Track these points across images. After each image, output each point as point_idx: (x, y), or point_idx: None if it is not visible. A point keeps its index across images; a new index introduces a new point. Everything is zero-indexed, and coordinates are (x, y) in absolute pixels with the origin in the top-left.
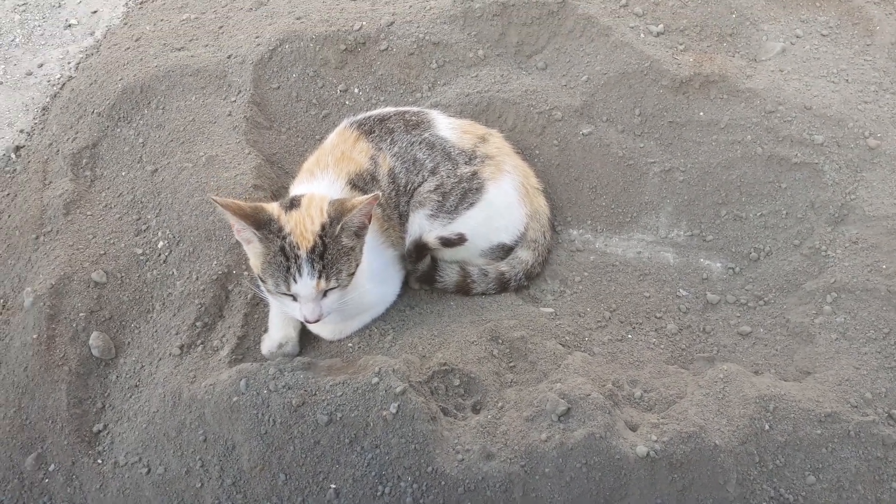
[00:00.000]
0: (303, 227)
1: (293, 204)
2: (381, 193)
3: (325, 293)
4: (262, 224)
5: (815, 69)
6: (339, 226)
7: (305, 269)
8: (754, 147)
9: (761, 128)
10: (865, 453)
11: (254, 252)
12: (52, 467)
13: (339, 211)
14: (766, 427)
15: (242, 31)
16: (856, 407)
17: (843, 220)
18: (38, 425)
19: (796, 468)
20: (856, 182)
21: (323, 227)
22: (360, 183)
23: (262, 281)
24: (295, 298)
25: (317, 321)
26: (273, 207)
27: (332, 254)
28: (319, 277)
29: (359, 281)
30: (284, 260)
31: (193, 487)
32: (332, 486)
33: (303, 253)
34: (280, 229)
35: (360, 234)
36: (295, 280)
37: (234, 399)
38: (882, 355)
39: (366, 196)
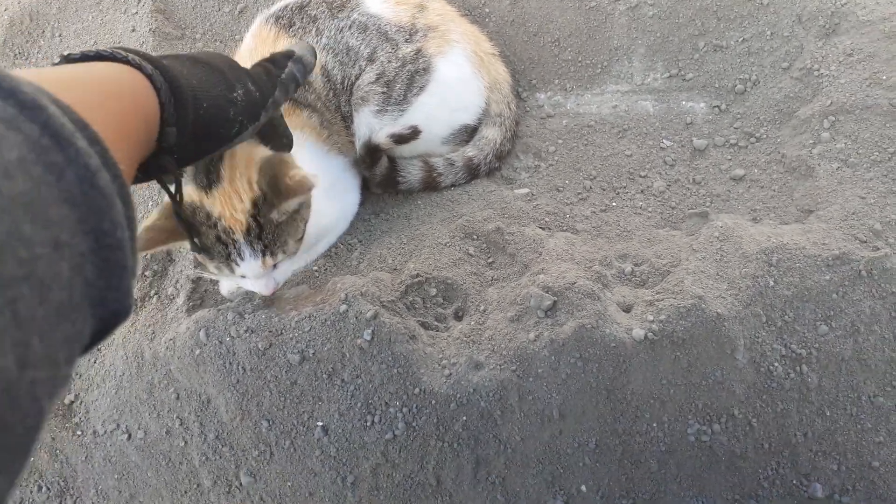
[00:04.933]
0: (231, 208)
1: (210, 179)
2: (304, 95)
3: (274, 265)
4: (192, 226)
5: None
6: (275, 212)
7: (246, 251)
8: None
9: None
10: (879, 291)
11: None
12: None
13: (273, 188)
14: (771, 283)
15: None
16: (865, 242)
17: (834, 31)
18: None
19: (807, 320)
20: None
21: (255, 205)
22: None
23: (202, 266)
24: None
25: (272, 294)
26: (189, 195)
27: (270, 231)
28: (263, 256)
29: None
30: (223, 247)
31: (178, 447)
32: (319, 423)
33: (239, 237)
34: (208, 216)
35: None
36: (237, 263)
37: (198, 352)
38: (889, 178)
39: (304, 176)
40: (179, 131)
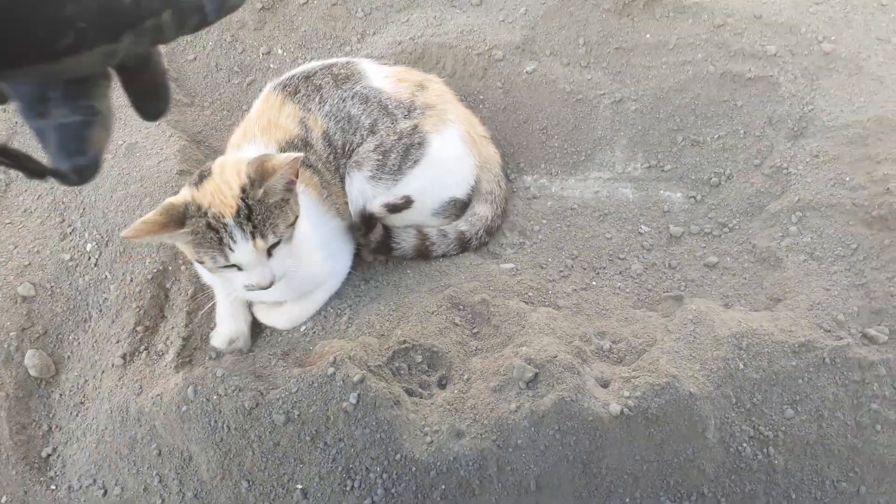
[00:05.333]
0: (221, 195)
1: (203, 177)
2: (307, 156)
3: (269, 253)
4: (181, 219)
5: None
6: (262, 190)
7: (237, 234)
8: (706, 65)
9: (711, 44)
10: (842, 378)
11: (185, 244)
12: (3, 499)
13: (259, 173)
14: (741, 366)
15: None
16: (829, 331)
17: (802, 134)
18: None
19: (774, 403)
20: (813, 91)
21: (244, 190)
22: (292, 151)
23: (201, 263)
24: (240, 268)
25: (270, 284)
26: (181, 196)
27: (260, 212)
28: (254, 237)
29: (305, 247)
30: (214, 233)
31: None
32: (299, 486)
33: (229, 220)
34: (199, 208)
35: (289, 188)
36: (231, 248)
37: (184, 408)
38: (852, 272)
39: (287, 155)
40: None
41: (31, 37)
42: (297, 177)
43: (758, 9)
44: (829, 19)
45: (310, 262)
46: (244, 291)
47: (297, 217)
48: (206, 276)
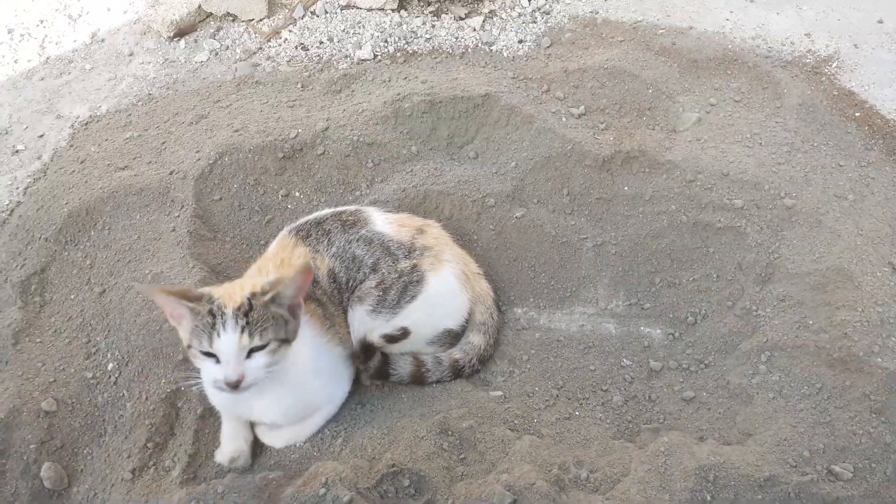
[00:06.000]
0: (232, 292)
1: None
2: (313, 290)
3: (250, 354)
4: (194, 298)
5: (731, 135)
6: (270, 295)
7: (229, 324)
8: (679, 216)
9: (684, 197)
10: None
11: (184, 326)
12: None
13: (272, 284)
14: (708, 498)
15: (183, 146)
16: (795, 466)
17: (769, 279)
18: None
19: None
20: (777, 241)
21: (253, 293)
22: None
23: (190, 347)
24: (218, 361)
25: (238, 382)
26: (204, 289)
27: (258, 314)
28: (242, 332)
29: (303, 374)
30: (211, 318)
31: None
32: None
33: (229, 311)
34: (210, 298)
35: (293, 311)
36: (219, 335)
37: None
38: (817, 411)
39: (297, 265)
40: None
41: None
42: (304, 300)
43: (725, 167)
44: (791, 178)
45: (307, 389)
46: (215, 390)
47: (288, 340)
48: (212, 396)
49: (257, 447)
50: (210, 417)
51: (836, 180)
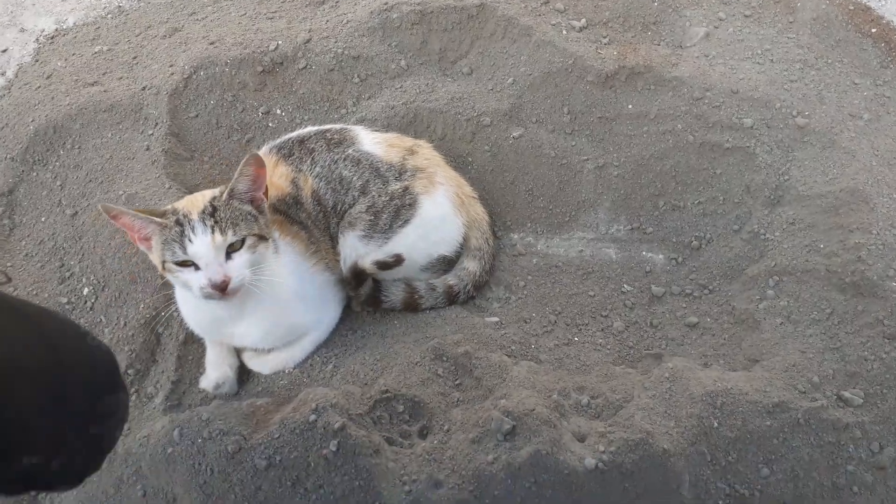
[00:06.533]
0: (194, 200)
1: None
2: (296, 212)
3: (230, 256)
4: (159, 214)
5: (740, 51)
6: (226, 192)
7: (198, 227)
8: (685, 135)
9: (691, 115)
10: (817, 440)
11: (155, 246)
12: None
13: (225, 184)
14: (715, 424)
15: (156, 60)
16: (804, 393)
17: (779, 202)
18: None
19: (749, 462)
20: (788, 162)
21: (213, 197)
22: (283, 207)
23: (164, 264)
24: (197, 268)
25: (224, 284)
26: (165, 207)
27: (224, 213)
28: (213, 231)
29: (286, 296)
30: (179, 227)
31: None
32: None
33: (195, 216)
34: (175, 210)
35: (258, 206)
36: (190, 240)
37: (170, 450)
38: (826, 336)
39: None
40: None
41: None
42: (265, 194)
43: (735, 84)
44: (803, 96)
45: (291, 312)
46: (203, 301)
47: (264, 236)
48: (191, 320)
49: (244, 374)
50: (193, 343)
51: (851, 99)
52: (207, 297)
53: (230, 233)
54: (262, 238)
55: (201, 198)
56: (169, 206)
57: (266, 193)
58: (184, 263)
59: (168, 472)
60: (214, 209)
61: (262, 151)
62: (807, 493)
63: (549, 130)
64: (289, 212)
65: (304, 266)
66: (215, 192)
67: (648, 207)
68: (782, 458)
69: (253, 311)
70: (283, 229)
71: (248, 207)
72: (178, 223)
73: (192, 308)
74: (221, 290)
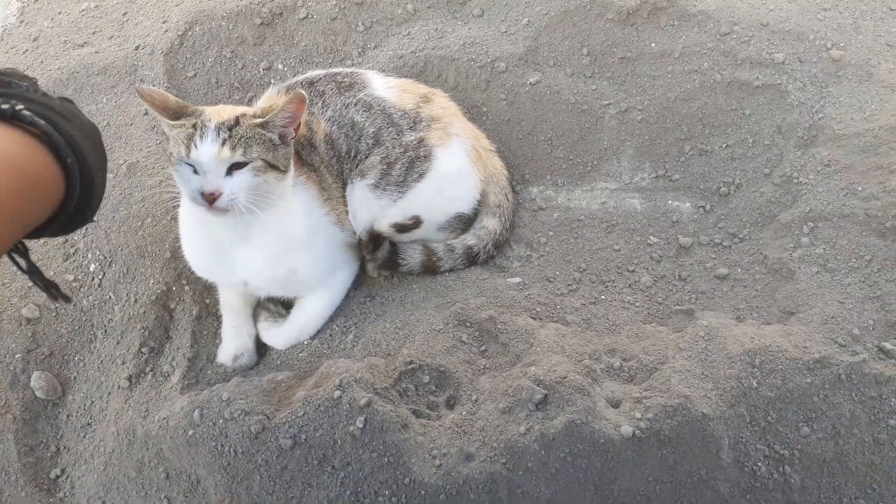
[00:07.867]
0: (221, 111)
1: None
2: (308, 154)
3: (231, 172)
4: (188, 111)
5: None
6: (261, 120)
7: (210, 136)
8: (713, 74)
9: (718, 52)
10: (859, 395)
11: (169, 135)
12: None
13: (264, 111)
14: (755, 384)
15: (148, 16)
16: (844, 346)
17: (812, 143)
18: None
19: (789, 421)
20: (822, 99)
21: (242, 115)
22: (297, 147)
23: (170, 157)
24: (196, 171)
25: (211, 197)
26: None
27: (244, 131)
28: (223, 145)
29: (293, 240)
30: (193, 130)
31: None
32: None
33: (212, 123)
34: (201, 113)
35: (283, 138)
36: (196, 146)
37: (191, 432)
38: (866, 284)
39: (291, 94)
40: (77, 215)
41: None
42: (297, 131)
43: (764, 16)
44: (838, 26)
45: (298, 255)
46: (194, 200)
47: (279, 168)
48: (189, 253)
49: (262, 347)
50: (208, 317)
51: (889, 26)
52: (194, 200)
53: (239, 151)
54: (273, 167)
55: (230, 111)
56: (200, 108)
57: (297, 129)
58: (187, 163)
59: (190, 455)
60: (235, 124)
61: (270, 90)
62: (847, 451)
63: (567, 74)
64: (301, 153)
65: (315, 209)
66: (248, 111)
67: (674, 153)
68: (823, 415)
69: (258, 237)
70: (297, 168)
71: (272, 135)
72: (195, 126)
73: (194, 234)
74: (209, 201)
